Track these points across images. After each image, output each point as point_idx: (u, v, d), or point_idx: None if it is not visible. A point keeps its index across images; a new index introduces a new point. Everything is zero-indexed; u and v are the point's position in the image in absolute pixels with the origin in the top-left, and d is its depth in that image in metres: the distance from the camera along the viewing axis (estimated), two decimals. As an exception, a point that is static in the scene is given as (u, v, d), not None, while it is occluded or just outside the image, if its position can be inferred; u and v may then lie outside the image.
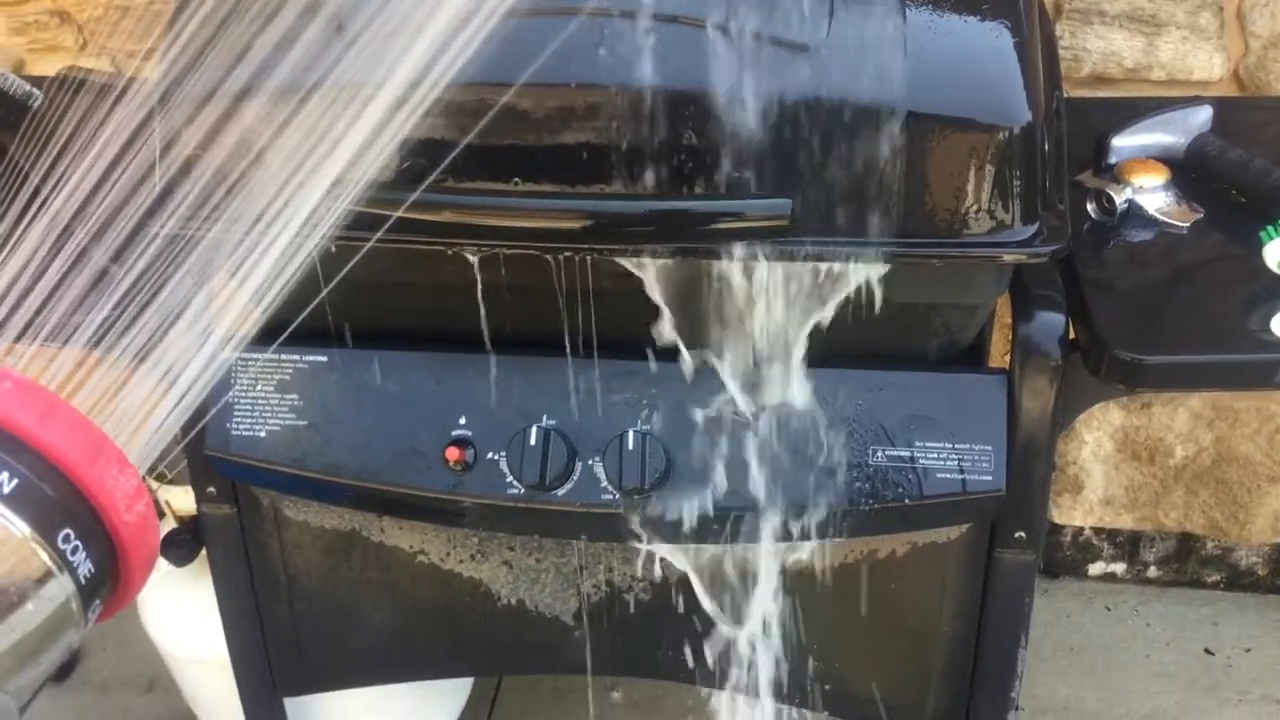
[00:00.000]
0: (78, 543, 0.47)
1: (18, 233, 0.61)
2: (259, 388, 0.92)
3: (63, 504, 0.47)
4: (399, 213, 0.75)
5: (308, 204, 0.63)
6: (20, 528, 0.46)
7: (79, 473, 0.47)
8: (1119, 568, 1.80)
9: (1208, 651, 1.69)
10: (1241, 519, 1.68)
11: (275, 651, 1.10)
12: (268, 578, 1.06)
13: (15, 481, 0.46)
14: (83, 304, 0.63)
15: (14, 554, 0.46)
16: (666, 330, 0.87)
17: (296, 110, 0.70)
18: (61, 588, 0.47)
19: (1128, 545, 1.77)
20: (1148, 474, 1.66)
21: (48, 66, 1.45)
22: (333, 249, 0.75)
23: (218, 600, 1.08)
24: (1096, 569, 1.80)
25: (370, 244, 0.75)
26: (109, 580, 0.50)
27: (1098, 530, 1.76)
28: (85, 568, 0.47)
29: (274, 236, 0.63)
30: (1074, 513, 1.72)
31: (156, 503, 1.13)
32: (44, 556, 0.46)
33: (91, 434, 0.48)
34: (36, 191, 0.65)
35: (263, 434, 0.92)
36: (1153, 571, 1.79)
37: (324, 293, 0.75)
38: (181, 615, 1.31)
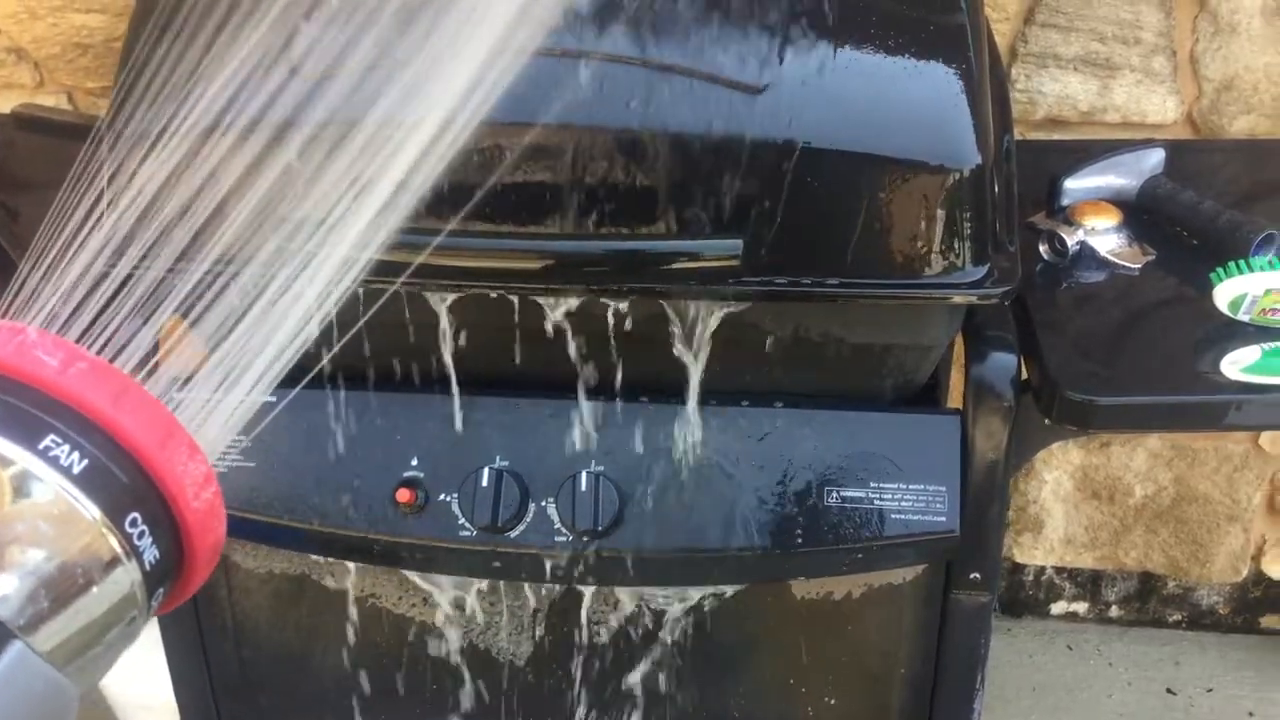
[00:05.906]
0: (144, 528, 0.45)
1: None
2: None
3: (132, 488, 0.45)
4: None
5: (261, 244, 0.62)
6: (91, 510, 0.44)
7: (149, 456, 0.45)
8: (1081, 607, 1.80)
9: (1170, 691, 1.69)
10: (1201, 558, 1.69)
11: (223, 698, 1.08)
12: (215, 623, 1.03)
13: (85, 463, 0.44)
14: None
15: (84, 535, 0.44)
16: (618, 370, 0.86)
17: (248, 150, 0.69)
18: (127, 574, 0.45)
19: (1089, 584, 1.77)
20: (1108, 513, 1.67)
21: (2, 104, 1.43)
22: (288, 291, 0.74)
23: (164, 646, 1.06)
24: (1058, 608, 1.80)
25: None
26: (174, 569, 0.48)
27: (1059, 569, 1.76)
28: (151, 554, 0.45)
29: (228, 278, 0.62)
30: (1035, 552, 1.72)
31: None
32: (112, 541, 0.44)
33: (163, 417, 0.46)
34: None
35: (209, 476, 0.90)
36: (1114, 611, 1.79)
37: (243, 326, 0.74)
38: (128, 661, 1.28)
